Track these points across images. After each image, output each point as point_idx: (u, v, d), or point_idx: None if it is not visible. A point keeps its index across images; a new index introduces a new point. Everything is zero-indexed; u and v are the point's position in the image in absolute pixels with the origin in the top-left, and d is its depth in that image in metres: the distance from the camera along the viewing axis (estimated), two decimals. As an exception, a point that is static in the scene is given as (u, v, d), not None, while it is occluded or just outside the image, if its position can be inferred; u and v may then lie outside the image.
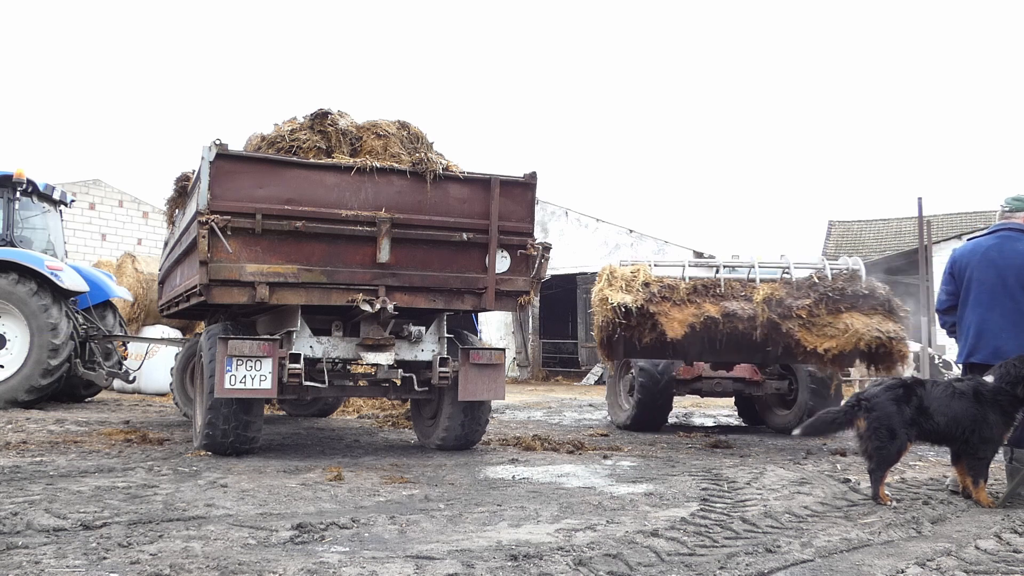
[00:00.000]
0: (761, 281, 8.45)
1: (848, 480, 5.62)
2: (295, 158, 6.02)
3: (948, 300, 5.35)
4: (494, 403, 9.61)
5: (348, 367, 6.69)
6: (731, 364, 9.66)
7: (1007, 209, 5.26)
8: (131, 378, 11.35)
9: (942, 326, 5.61)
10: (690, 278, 8.52)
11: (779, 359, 8.78)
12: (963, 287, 5.21)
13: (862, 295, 8.16)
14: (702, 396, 10.31)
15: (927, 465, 6.60)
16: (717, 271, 8.74)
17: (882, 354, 8.01)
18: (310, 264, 5.87)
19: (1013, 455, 4.99)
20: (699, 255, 25.42)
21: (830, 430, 5.24)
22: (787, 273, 8.49)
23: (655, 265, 8.94)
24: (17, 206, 10.83)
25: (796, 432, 5.22)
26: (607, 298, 7.99)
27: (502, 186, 6.39)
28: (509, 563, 3.25)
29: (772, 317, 8.04)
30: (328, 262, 5.92)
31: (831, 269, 8.50)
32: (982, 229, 5.97)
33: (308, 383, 6.14)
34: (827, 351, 7.97)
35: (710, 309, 8.23)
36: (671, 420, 11.41)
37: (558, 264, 20.65)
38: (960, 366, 5.46)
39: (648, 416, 9.37)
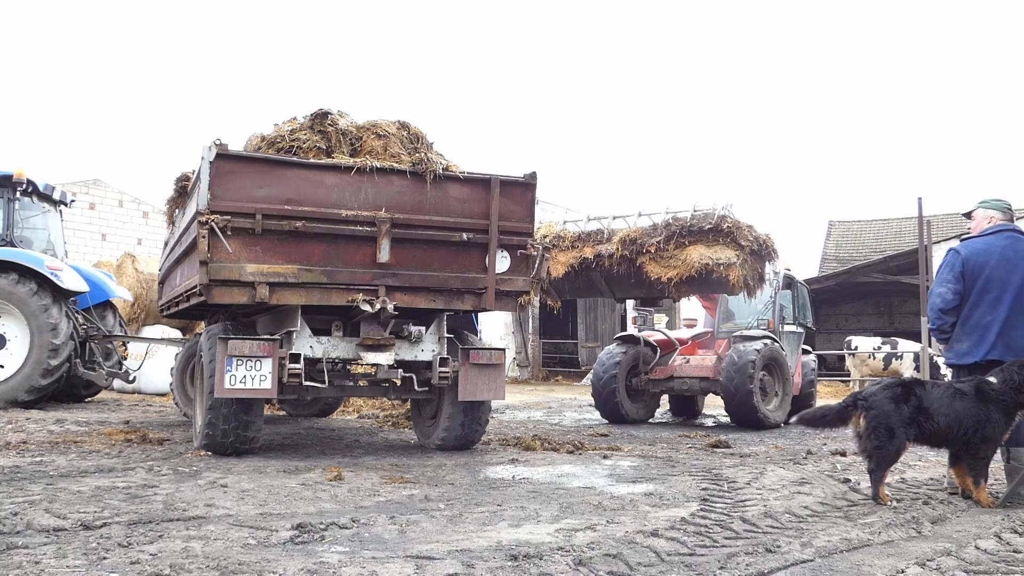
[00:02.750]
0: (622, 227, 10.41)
1: (848, 480, 5.62)
2: (295, 158, 6.01)
3: (955, 299, 5.15)
4: (494, 403, 9.62)
5: (348, 367, 6.69)
6: (653, 300, 11.54)
7: (993, 210, 5.24)
8: (131, 378, 11.34)
9: (940, 326, 5.30)
10: (582, 231, 10.64)
11: (640, 290, 10.71)
12: (976, 287, 5.08)
13: (708, 230, 9.58)
14: (673, 393, 11.35)
15: (927, 465, 6.60)
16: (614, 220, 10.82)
17: (715, 280, 9.56)
18: (310, 264, 5.87)
19: (1011, 455, 4.99)
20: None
21: (821, 425, 5.26)
22: (668, 217, 10.13)
23: (565, 222, 11.14)
24: (17, 206, 10.82)
25: (792, 420, 5.30)
26: None
27: (502, 186, 6.38)
28: (509, 563, 3.25)
29: (626, 254, 9.93)
30: (328, 262, 5.92)
31: (694, 213, 9.92)
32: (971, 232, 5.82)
33: (308, 383, 6.13)
34: (670, 279, 9.71)
35: (586, 251, 10.32)
36: (668, 419, 11.43)
37: (558, 264, 20.59)
38: (950, 367, 5.39)
39: (599, 401, 10.67)
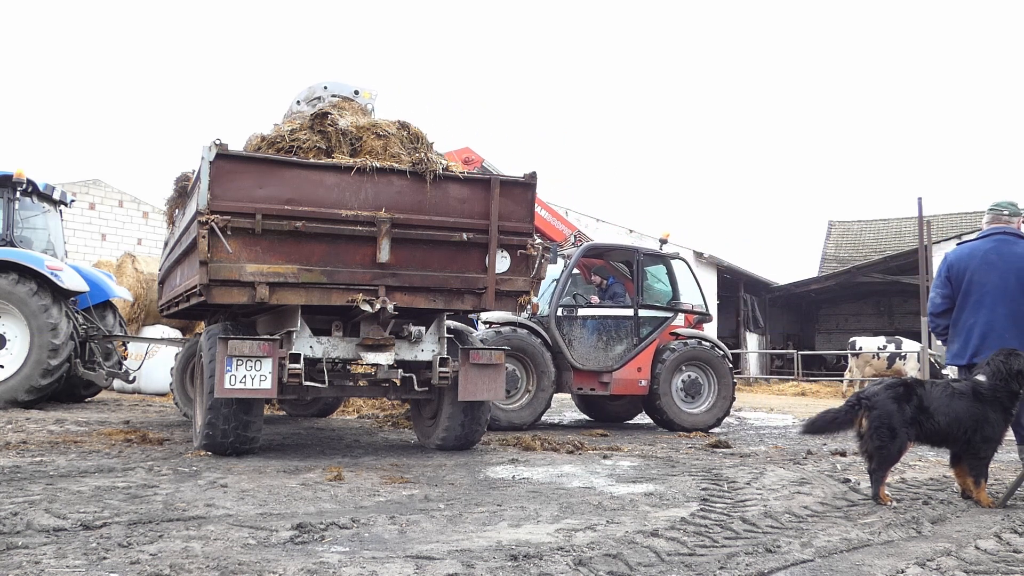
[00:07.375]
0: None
1: (848, 480, 5.62)
2: (295, 158, 6.01)
3: (944, 303, 5.43)
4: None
5: (348, 367, 6.69)
6: None
7: (1005, 213, 5.35)
8: (131, 378, 11.34)
9: (933, 329, 5.67)
10: None
11: None
12: (961, 290, 5.29)
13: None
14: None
15: (927, 465, 6.60)
16: None
17: None
18: (310, 264, 5.87)
19: (1020, 452, 5.03)
20: (699, 255, 25.39)
21: (831, 429, 5.22)
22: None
23: None
24: (17, 206, 10.82)
25: (797, 432, 5.27)
26: None
27: (502, 186, 6.38)
28: (509, 563, 3.25)
29: None
30: (328, 262, 5.92)
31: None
32: (971, 232, 6.13)
33: (308, 383, 6.13)
34: None
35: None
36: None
37: (558, 264, 20.55)
38: (956, 368, 5.51)
39: None
